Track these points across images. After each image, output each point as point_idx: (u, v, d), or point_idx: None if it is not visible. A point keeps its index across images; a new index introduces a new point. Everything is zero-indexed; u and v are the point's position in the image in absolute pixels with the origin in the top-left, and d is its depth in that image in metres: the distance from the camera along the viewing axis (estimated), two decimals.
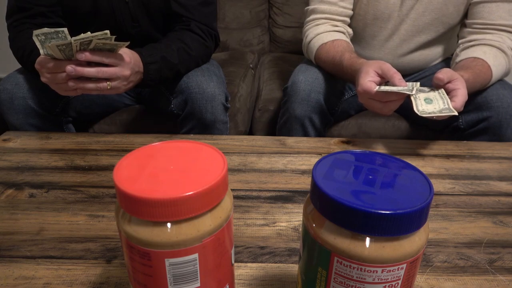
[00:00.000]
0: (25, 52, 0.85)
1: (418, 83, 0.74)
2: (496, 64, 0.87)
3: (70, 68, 0.70)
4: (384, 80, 0.76)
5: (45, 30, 0.69)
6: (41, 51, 0.70)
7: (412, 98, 0.72)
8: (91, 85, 0.74)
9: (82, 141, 0.77)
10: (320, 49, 0.98)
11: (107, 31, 0.68)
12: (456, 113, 0.69)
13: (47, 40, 0.70)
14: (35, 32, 0.69)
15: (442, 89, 0.74)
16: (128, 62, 0.77)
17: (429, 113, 0.70)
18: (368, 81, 0.75)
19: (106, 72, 0.73)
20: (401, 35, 1.02)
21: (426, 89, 0.75)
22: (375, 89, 0.73)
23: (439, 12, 0.97)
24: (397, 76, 0.73)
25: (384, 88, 0.73)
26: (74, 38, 0.67)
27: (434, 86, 0.76)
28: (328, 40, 0.96)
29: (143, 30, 0.98)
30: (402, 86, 0.72)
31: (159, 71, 0.87)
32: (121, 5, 0.93)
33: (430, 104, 0.71)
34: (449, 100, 0.71)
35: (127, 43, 0.73)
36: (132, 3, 0.94)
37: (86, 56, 0.70)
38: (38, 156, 0.71)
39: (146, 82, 0.85)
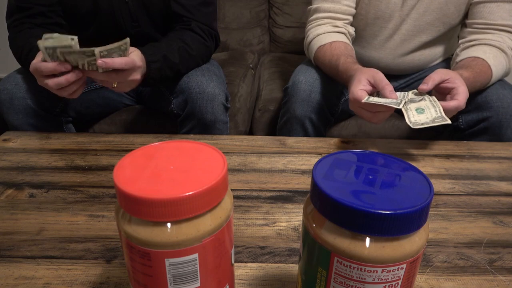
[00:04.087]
0: (23, 52, 0.85)
1: (410, 93, 0.73)
2: (496, 64, 0.87)
3: (101, 62, 0.70)
4: (376, 89, 0.76)
5: (55, 35, 0.69)
6: (47, 57, 0.70)
7: (403, 110, 0.70)
8: (99, 79, 0.75)
9: (82, 141, 0.77)
10: (318, 51, 0.98)
11: (128, 40, 0.71)
12: (449, 122, 0.67)
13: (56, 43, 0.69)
14: (45, 35, 0.69)
15: (434, 97, 0.73)
16: (140, 66, 0.78)
17: (422, 124, 0.68)
18: (360, 89, 0.74)
19: (119, 77, 0.74)
20: (402, 35, 1.02)
21: (416, 98, 0.74)
22: (363, 100, 0.72)
23: (440, 12, 0.97)
24: (388, 88, 0.72)
25: (372, 99, 0.71)
26: (99, 49, 0.68)
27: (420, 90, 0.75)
28: (326, 42, 0.96)
29: (143, 30, 0.98)
30: (391, 99, 0.71)
31: (160, 70, 0.87)
32: (121, 5, 0.93)
33: (422, 114, 0.70)
34: (441, 108, 0.70)
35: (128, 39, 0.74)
36: (132, 3, 0.94)
37: (107, 64, 0.70)
38: (38, 156, 0.71)
39: (147, 80, 0.85)
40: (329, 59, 0.93)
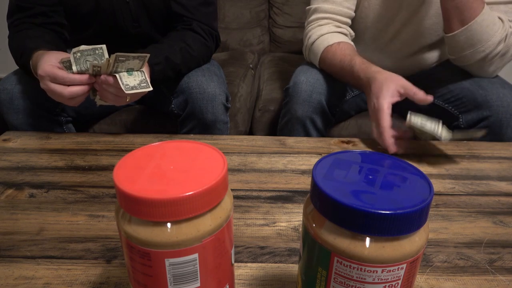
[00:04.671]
0: (17, 54, 0.85)
1: (441, 121, 0.72)
2: (490, 13, 0.83)
3: (104, 78, 0.71)
4: (402, 98, 0.75)
5: (82, 47, 0.69)
6: (74, 68, 0.70)
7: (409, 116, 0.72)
8: (110, 95, 0.74)
9: (82, 141, 0.77)
10: (326, 51, 0.94)
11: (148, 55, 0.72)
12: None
13: (83, 57, 0.70)
14: (73, 50, 0.69)
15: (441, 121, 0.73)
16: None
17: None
18: (389, 102, 0.73)
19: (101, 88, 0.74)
20: (402, 39, 1.02)
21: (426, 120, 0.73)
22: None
23: (439, 17, 0.96)
24: (421, 92, 0.72)
25: (414, 121, 0.70)
26: (117, 54, 0.68)
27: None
28: (333, 42, 0.94)
29: (143, 30, 0.98)
30: (433, 124, 0.70)
31: (162, 71, 0.87)
32: (122, 5, 0.93)
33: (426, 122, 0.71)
34: (439, 126, 0.70)
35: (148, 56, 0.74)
36: (133, 3, 0.94)
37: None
38: (38, 156, 0.71)
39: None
40: (340, 59, 0.90)
